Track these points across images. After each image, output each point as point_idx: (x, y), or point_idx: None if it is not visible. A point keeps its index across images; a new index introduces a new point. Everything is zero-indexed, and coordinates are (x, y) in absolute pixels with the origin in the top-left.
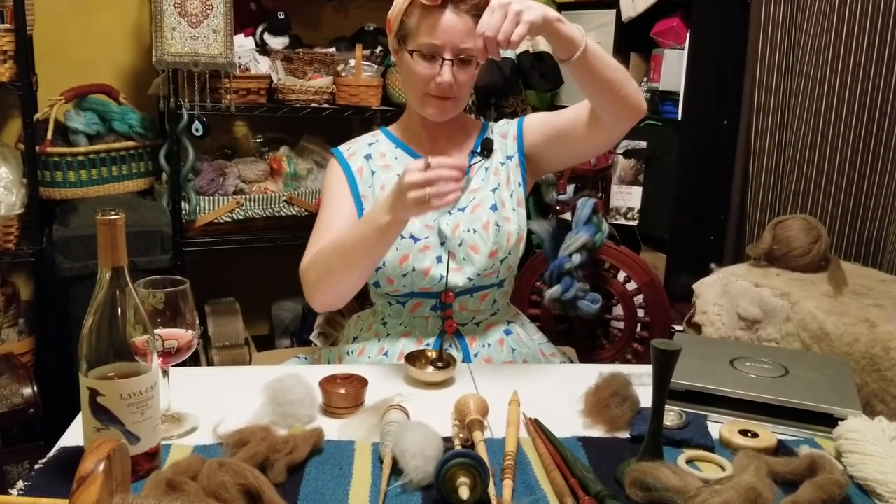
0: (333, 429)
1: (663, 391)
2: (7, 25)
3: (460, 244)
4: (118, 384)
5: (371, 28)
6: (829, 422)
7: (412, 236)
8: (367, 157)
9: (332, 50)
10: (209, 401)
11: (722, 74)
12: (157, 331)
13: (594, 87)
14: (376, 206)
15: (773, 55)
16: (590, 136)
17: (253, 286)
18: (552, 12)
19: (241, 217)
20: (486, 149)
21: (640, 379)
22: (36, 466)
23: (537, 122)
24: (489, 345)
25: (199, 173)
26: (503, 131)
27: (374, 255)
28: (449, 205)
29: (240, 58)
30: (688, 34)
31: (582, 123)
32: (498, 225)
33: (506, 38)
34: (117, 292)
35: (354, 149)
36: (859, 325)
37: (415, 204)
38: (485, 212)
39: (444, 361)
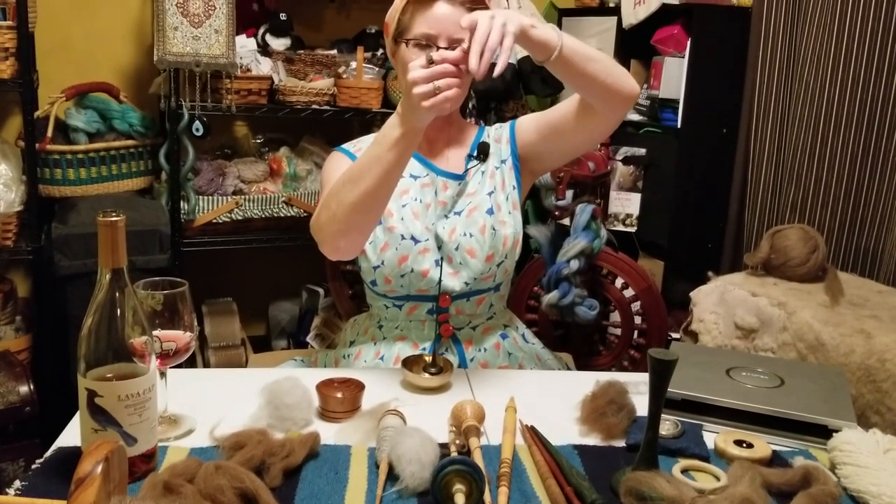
0: (330, 433)
1: (659, 400)
2: (9, 22)
3: (457, 248)
4: (116, 385)
5: (373, 30)
6: (823, 433)
7: (413, 237)
8: None
9: (334, 52)
10: (206, 403)
11: (722, 83)
12: (155, 332)
13: (578, 82)
14: (386, 125)
15: (772, 64)
16: (584, 125)
17: (250, 287)
18: (525, 19)
19: (239, 217)
20: (482, 152)
21: (637, 387)
22: (33, 466)
23: (530, 122)
24: (485, 349)
25: (199, 173)
26: (497, 135)
27: (388, 179)
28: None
29: (241, 58)
30: (688, 42)
31: (573, 115)
32: (494, 229)
33: (492, 51)
34: (117, 293)
35: (360, 146)
36: (855, 335)
37: (422, 99)
38: (481, 215)
39: (441, 366)
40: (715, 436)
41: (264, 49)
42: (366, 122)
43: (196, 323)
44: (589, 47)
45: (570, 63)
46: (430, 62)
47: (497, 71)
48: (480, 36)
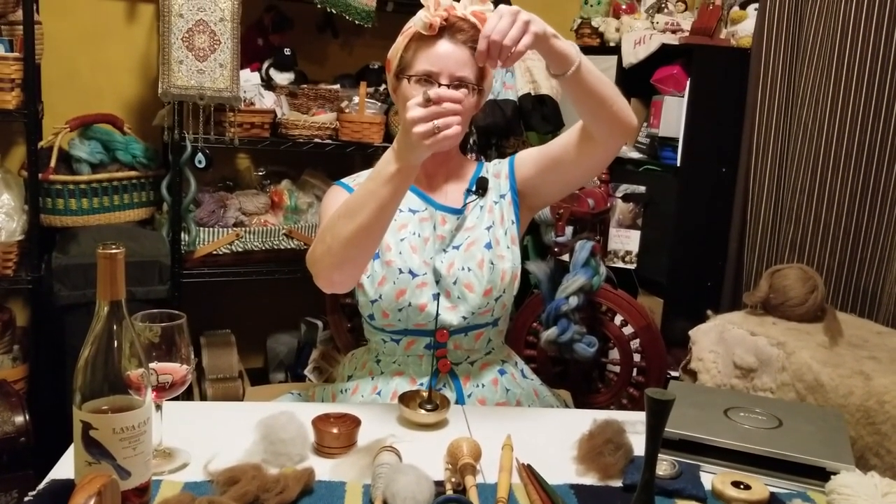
0: (325, 469)
1: (656, 440)
2: (16, 54)
3: (455, 282)
4: (111, 418)
5: (375, 66)
6: (821, 475)
7: (410, 271)
8: None
9: (337, 86)
10: (201, 436)
11: (721, 122)
12: (151, 365)
13: (588, 103)
14: (382, 160)
15: (771, 104)
16: (584, 156)
17: (249, 319)
18: (550, 27)
19: (240, 249)
20: (481, 187)
21: (634, 426)
22: (25, 499)
23: (529, 157)
24: (483, 385)
25: (200, 204)
26: (496, 171)
27: (383, 215)
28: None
29: (245, 92)
30: (688, 82)
31: (574, 146)
32: (492, 263)
33: (513, 43)
34: (114, 326)
35: (359, 180)
36: (854, 377)
37: (421, 138)
38: (479, 250)
39: (438, 403)
40: (712, 477)
41: (268, 83)
42: (367, 156)
43: (193, 355)
44: (598, 71)
45: (584, 81)
46: (428, 101)
47: (508, 63)
48: (502, 27)
